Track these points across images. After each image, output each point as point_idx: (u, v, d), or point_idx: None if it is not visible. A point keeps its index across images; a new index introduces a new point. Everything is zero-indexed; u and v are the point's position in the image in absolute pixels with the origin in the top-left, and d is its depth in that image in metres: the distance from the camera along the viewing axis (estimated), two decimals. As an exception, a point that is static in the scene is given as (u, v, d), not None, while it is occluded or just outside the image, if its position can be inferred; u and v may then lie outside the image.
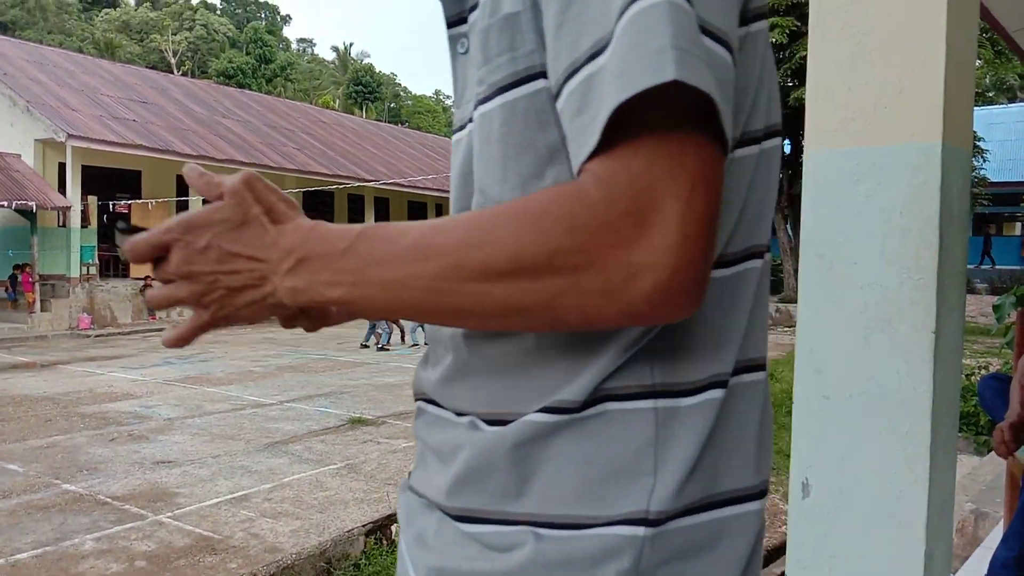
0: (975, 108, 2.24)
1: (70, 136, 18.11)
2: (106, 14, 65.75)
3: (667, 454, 0.67)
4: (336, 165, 26.14)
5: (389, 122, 50.77)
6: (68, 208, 18.64)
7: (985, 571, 3.22)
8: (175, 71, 51.16)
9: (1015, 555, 3.09)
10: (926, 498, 1.68)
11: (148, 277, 20.09)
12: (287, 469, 7.07)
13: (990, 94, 36.45)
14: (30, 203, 17.31)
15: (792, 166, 22.30)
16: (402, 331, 16.46)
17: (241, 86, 44.69)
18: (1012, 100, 37.31)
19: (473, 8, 0.75)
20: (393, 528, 5.82)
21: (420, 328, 16.16)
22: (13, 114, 19.57)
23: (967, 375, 8.43)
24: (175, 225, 0.69)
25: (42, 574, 4.78)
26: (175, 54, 60.35)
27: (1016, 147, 28.99)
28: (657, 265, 0.57)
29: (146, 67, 36.07)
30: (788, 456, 1.92)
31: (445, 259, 0.61)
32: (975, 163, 21.69)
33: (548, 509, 0.68)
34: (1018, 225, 32.57)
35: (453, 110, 0.85)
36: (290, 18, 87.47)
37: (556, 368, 0.69)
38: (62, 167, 19.17)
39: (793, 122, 20.52)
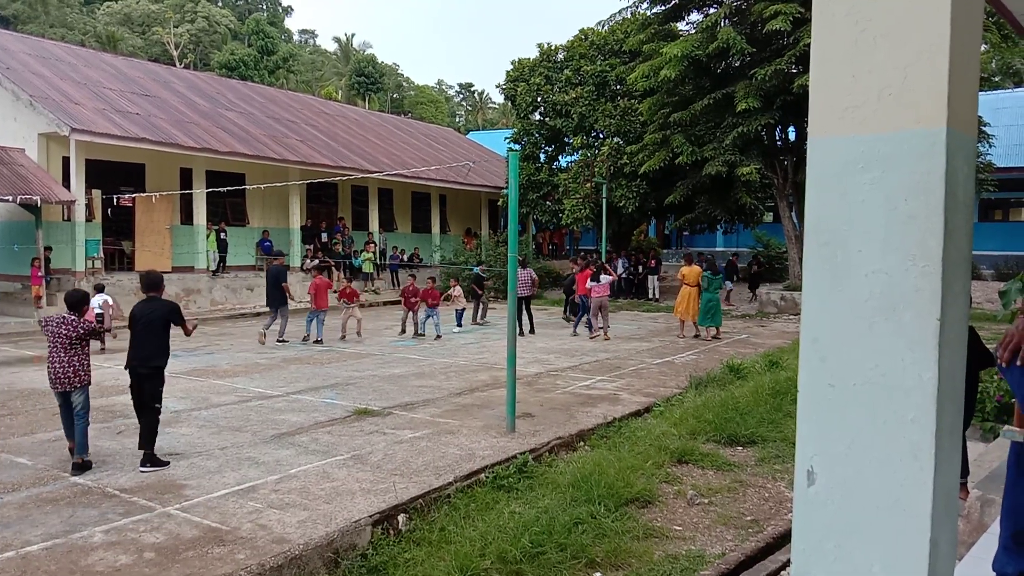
0: (980, 93, 2.22)
1: (73, 130, 18.09)
2: (108, 7, 65.61)
3: None
4: (339, 156, 26.09)
5: (392, 113, 50.67)
6: (72, 202, 18.67)
7: (991, 558, 3.22)
8: (177, 64, 51.06)
9: (1012, 532, 3.09)
10: (931, 485, 1.68)
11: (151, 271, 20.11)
12: (294, 460, 7.10)
13: (996, 78, 36.14)
14: (34, 197, 17.33)
15: (796, 153, 22.21)
16: (414, 324, 16.50)
17: (243, 78, 44.60)
18: (1019, 84, 37.05)
19: None
20: (400, 518, 5.85)
21: (432, 316, 16.20)
22: (16, 108, 19.58)
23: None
24: None
25: (52, 566, 4.81)
26: (177, 47, 60.17)
27: (1023, 132, 28.79)
28: None
29: (148, 60, 36.01)
30: (794, 444, 1.92)
31: None
32: (981, 148, 21.51)
33: None
34: (1024, 211, 32.35)
35: None
36: (291, 9, 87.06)
37: None
38: (66, 161, 19.18)
39: (797, 109, 20.47)
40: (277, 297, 15.19)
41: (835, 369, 1.81)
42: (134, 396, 7.14)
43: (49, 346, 6.94)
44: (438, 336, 16.04)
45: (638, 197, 25.12)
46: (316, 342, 15.17)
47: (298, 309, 17.80)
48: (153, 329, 7.12)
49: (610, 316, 17.85)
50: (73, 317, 7.00)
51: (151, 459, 6.94)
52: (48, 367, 6.93)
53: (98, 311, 15.04)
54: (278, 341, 15.07)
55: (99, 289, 14.46)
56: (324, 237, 25.90)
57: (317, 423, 8.55)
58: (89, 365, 7.07)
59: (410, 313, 16.39)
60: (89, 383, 7.05)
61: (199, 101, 25.43)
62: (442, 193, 31.33)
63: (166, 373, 7.29)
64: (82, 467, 6.79)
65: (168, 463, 6.98)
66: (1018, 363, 2.86)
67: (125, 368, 7.22)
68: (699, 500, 6.52)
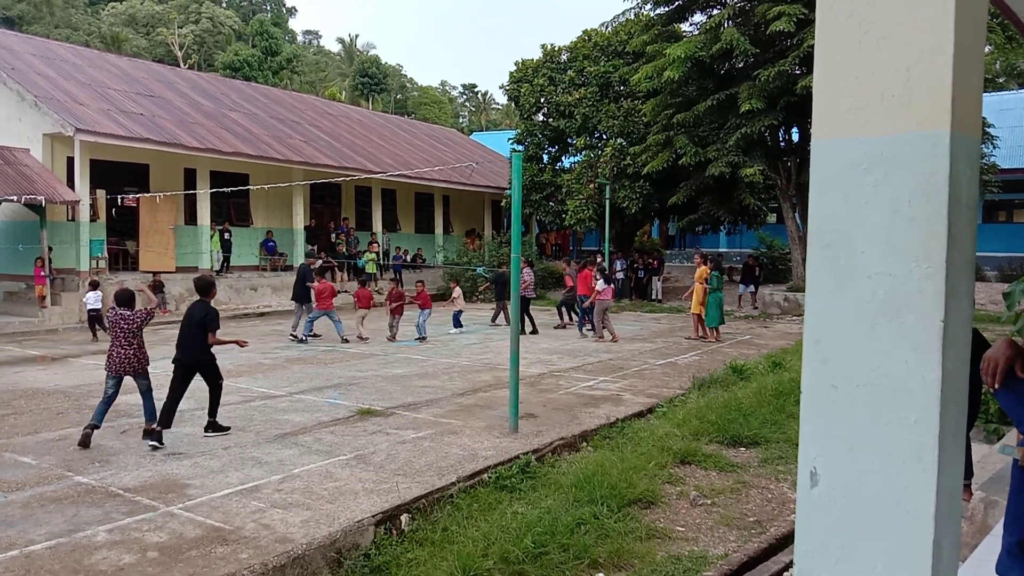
0: (984, 94, 2.22)
1: (78, 130, 18.13)
2: (112, 8, 65.75)
3: None
4: (343, 157, 26.11)
5: (395, 113, 50.70)
6: (77, 202, 18.71)
7: (994, 560, 3.22)
8: (181, 64, 51.16)
9: (1016, 540, 3.08)
10: (935, 487, 1.67)
11: (157, 273, 20.17)
12: (297, 460, 7.11)
13: (1000, 80, 36.08)
14: (39, 197, 17.37)
15: (800, 154, 22.18)
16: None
17: (247, 79, 44.63)
18: (1023, 86, 36.94)
19: None
20: (402, 518, 5.85)
21: (423, 322, 16.14)
22: (21, 109, 19.64)
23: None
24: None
25: (55, 565, 4.82)
26: (181, 47, 60.29)
27: (1027, 133, 28.73)
28: None
29: (152, 61, 36.08)
30: (797, 445, 1.92)
31: None
32: (984, 150, 21.45)
33: None
34: (1029, 212, 32.23)
35: None
36: (295, 10, 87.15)
37: None
38: (70, 161, 19.22)
39: (801, 110, 20.43)
40: (302, 294, 16.18)
41: (838, 370, 1.81)
42: (178, 381, 7.96)
43: (112, 339, 7.90)
44: (421, 337, 15.97)
45: (641, 198, 25.11)
46: (296, 338, 15.71)
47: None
48: (192, 330, 7.97)
49: (613, 317, 17.85)
50: (128, 312, 7.82)
51: (213, 426, 8.04)
52: (110, 357, 7.77)
53: (91, 307, 15.51)
54: (292, 336, 15.95)
55: (94, 286, 15.08)
56: (333, 237, 25.89)
57: (320, 423, 8.56)
58: (146, 352, 7.95)
59: (396, 318, 16.27)
60: (148, 364, 7.96)
61: (203, 102, 25.47)
62: (445, 194, 31.34)
63: (169, 373, 7.68)
64: (152, 434, 7.60)
65: (229, 428, 8.14)
66: (997, 386, 2.84)
67: (172, 362, 8.06)
68: (702, 501, 6.51)
